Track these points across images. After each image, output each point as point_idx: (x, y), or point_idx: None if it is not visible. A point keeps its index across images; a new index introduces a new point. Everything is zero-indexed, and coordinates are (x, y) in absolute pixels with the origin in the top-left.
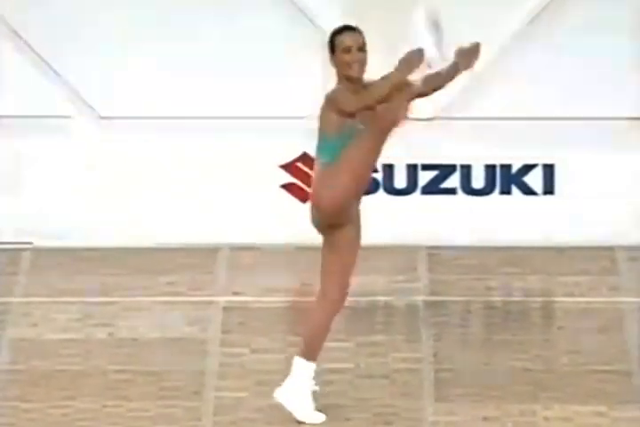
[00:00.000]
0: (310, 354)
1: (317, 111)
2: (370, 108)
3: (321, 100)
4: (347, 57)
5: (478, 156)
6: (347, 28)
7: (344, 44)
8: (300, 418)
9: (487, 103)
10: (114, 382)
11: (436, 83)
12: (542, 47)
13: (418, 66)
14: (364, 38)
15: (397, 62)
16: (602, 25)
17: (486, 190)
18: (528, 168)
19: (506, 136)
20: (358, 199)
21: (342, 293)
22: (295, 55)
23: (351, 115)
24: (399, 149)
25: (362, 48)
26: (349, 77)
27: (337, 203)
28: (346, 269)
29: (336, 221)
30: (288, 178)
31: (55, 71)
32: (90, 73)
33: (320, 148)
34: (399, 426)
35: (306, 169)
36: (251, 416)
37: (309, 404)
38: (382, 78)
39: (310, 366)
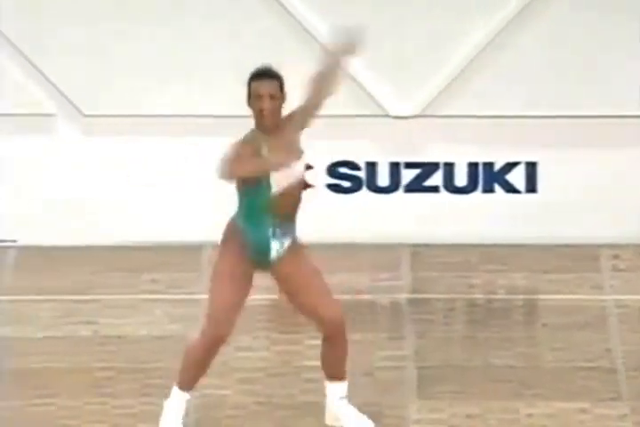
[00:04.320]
0: None
1: None
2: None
3: None
4: (257, 104)
5: (461, 153)
6: (263, 74)
7: (256, 92)
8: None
9: (470, 100)
10: (98, 380)
11: (322, 95)
12: (523, 45)
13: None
14: (279, 85)
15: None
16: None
17: (469, 188)
18: (511, 166)
19: (488, 134)
20: None
21: None
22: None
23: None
24: (381, 148)
25: (274, 96)
26: (261, 124)
27: None
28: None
29: None
30: None
31: (38, 69)
32: (73, 71)
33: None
34: (383, 424)
35: None
36: (232, 413)
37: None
38: (262, 162)
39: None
